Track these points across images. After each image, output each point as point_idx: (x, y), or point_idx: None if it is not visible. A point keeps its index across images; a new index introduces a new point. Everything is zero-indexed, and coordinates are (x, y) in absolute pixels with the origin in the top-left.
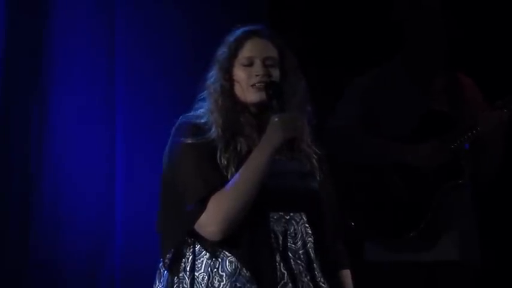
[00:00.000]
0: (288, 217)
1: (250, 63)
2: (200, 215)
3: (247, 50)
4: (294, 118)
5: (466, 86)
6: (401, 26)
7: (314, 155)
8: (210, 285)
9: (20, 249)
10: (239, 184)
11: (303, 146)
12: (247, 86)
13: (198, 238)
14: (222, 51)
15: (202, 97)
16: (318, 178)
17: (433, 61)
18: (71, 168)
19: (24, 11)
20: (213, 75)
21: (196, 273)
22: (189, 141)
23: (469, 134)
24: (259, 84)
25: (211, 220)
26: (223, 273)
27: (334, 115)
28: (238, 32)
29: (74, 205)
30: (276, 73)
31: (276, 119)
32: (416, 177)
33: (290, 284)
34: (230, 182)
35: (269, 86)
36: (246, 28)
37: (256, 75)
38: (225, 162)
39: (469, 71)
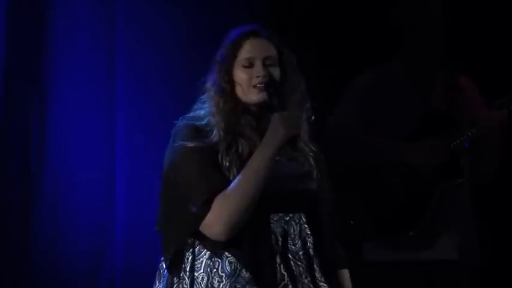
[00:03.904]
0: (287, 218)
1: (250, 64)
2: (205, 216)
3: (246, 51)
4: (295, 116)
5: (466, 85)
6: (401, 26)
7: (311, 153)
8: (209, 285)
9: (20, 249)
10: (243, 184)
11: (300, 144)
12: (249, 87)
13: (198, 238)
14: (221, 53)
15: (202, 99)
16: (315, 177)
17: (432, 61)
18: (71, 169)
19: (25, 11)
20: (213, 77)
21: (196, 274)
22: (191, 144)
23: (469, 133)
24: (260, 85)
25: (217, 221)
26: (223, 274)
27: (334, 115)
28: (236, 33)
29: (74, 205)
30: (276, 72)
31: (278, 117)
32: (416, 177)
33: (290, 286)
34: (234, 182)
35: (269, 85)
36: (244, 29)
37: (257, 76)
38: (227, 164)
39: (469, 71)
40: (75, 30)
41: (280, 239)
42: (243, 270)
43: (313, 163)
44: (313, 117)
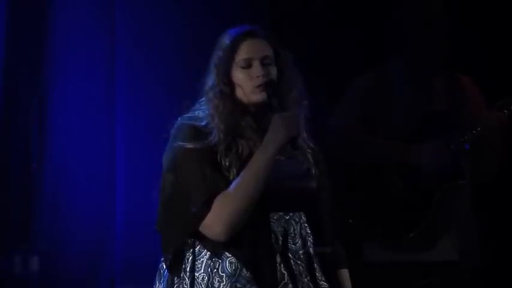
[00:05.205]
0: (287, 217)
1: (248, 65)
2: (205, 217)
3: (244, 52)
4: (296, 116)
5: (466, 86)
6: (401, 26)
7: (309, 150)
8: (210, 285)
9: (20, 249)
10: (243, 184)
11: (299, 142)
12: (251, 88)
13: (198, 238)
14: (218, 55)
15: (202, 102)
16: (315, 174)
17: (433, 61)
18: (71, 168)
19: (25, 11)
20: (212, 79)
21: (196, 274)
22: (191, 145)
23: (469, 134)
24: (261, 87)
25: (217, 221)
26: (223, 274)
27: (335, 115)
28: (232, 34)
29: (74, 205)
30: (274, 71)
31: (279, 118)
32: (416, 177)
33: (290, 285)
34: (234, 183)
35: (268, 86)
36: (240, 30)
37: (257, 77)
38: (227, 164)
39: (469, 71)
40: (76, 30)
41: (280, 238)
42: (244, 270)
43: (311, 160)
44: (310, 114)
